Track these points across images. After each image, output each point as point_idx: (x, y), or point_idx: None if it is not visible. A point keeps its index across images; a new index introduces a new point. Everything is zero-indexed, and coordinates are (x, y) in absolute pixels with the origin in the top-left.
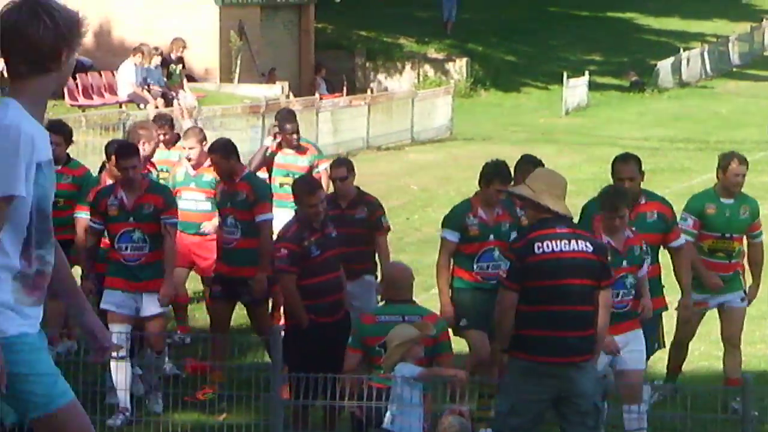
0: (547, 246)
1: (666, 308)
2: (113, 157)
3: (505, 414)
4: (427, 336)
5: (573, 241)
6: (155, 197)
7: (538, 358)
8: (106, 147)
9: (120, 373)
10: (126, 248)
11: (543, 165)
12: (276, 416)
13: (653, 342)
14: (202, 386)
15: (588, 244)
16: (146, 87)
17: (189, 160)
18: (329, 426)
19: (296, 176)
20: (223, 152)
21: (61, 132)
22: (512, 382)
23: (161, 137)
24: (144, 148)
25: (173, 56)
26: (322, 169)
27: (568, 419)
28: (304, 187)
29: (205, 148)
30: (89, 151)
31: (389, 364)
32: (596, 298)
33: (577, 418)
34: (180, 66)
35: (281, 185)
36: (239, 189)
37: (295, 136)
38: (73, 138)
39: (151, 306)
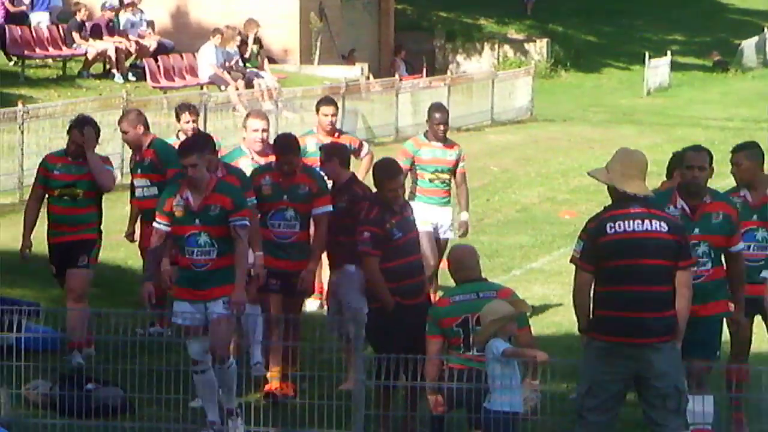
0: (619, 226)
1: (729, 313)
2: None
3: (582, 395)
4: (522, 313)
5: (647, 221)
6: (222, 198)
7: (614, 339)
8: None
9: (206, 386)
10: (193, 252)
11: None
12: (358, 397)
13: (714, 349)
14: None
15: (663, 223)
16: (227, 69)
17: (258, 142)
18: (411, 407)
19: (445, 170)
20: (293, 149)
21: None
22: (589, 363)
23: (190, 125)
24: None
25: (251, 37)
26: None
27: (648, 402)
28: (385, 171)
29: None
30: (171, 132)
31: (481, 339)
32: (674, 279)
33: (657, 401)
34: (257, 47)
35: (431, 181)
36: (299, 182)
37: (442, 127)
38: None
39: (215, 310)
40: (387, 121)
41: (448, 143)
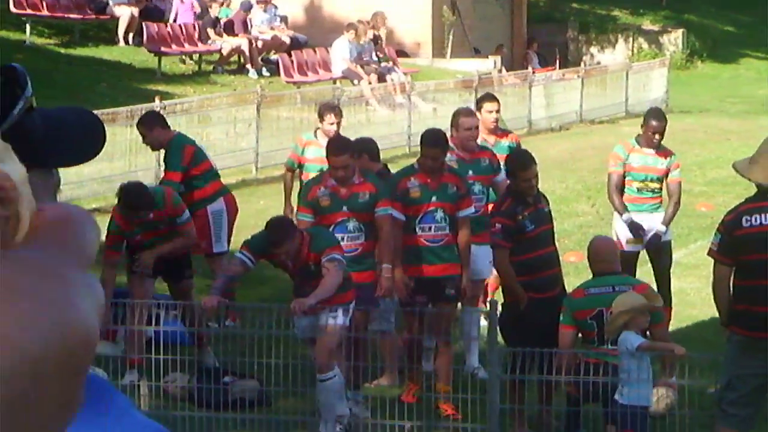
0: (756, 219)
1: None
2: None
3: (723, 388)
4: (654, 307)
5: None
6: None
7: (753, 334)
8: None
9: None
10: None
11: None
12: (493, 390)
13: None
14: (408, 386)
15: None
16: (360, 63)
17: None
18: (545, 401)
19: (653, 179)
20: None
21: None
22: (730, 357)
23: (334, 126)
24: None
25: (381, 32)
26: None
27: None
28: (519, 161)
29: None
30: (304, 126)
31: (612, 330)
32: None
33: None
34: (382, 41)
35: (639, 190)
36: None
37: (657, 136)
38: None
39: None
40: (520, 114)
41: (661, 150)
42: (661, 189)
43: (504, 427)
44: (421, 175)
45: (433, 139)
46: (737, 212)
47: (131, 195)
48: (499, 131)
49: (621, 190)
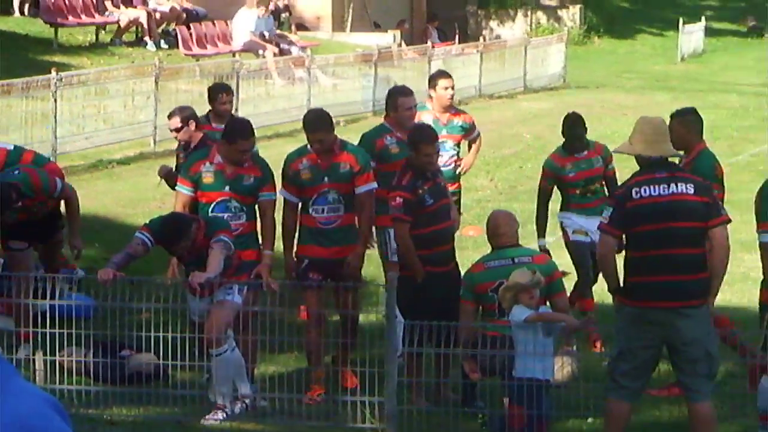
0: (645, 191)
1: None
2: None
3: (615, 359)
4: (535, 285)
5: (672, 185)
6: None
7: (645, 304)
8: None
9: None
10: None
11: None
12: (390, 364)
13: None
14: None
15: (689, 186)
16: (261, 36)
17: None
18: (443, 374)
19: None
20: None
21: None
22: (621, 329)
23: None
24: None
25: (281, 4)
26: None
27: (679, 367)
28: (423, 135)
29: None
30: (203, 100)
31: (505, 306)
32: (704, 240)
33: (687, 366)
34: (287, 14)
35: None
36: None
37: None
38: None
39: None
40: (420, 89)
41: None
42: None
43: (401, 400)
44: (312, 156)
45: (313, 124)
46: (627, 185)
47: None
48: (453, 110)
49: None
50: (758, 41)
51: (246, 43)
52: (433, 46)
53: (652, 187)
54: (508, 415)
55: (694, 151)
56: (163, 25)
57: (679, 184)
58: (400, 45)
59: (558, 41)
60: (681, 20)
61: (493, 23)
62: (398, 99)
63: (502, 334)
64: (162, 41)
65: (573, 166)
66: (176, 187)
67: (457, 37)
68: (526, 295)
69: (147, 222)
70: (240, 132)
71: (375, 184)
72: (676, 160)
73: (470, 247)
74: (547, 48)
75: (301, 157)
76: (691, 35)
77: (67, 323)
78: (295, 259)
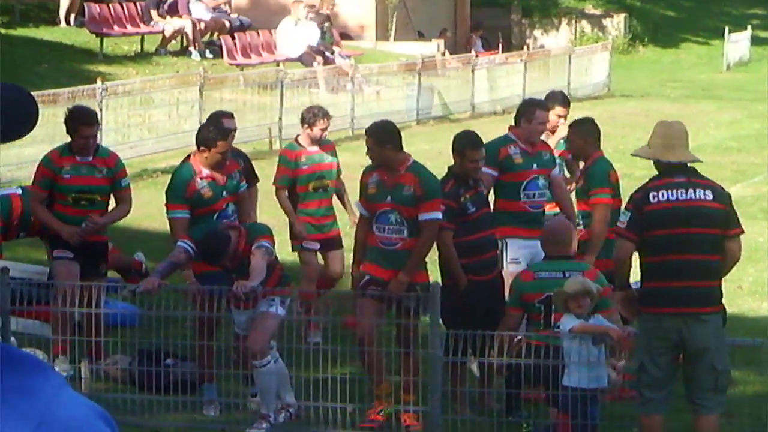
0: (663, 195)
1: None
2: None
3: (637, 371)
4: (586, 294)
5: (690, 190)
6: (414, 179)
7: (661, 310)
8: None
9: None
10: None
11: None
12: (435, 372)
13: None
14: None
15: (708, 192)
16: (311, 47)
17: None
18: (486, 383)
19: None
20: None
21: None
22: (640, 340)
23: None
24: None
25: (323, 13)
26: None
27: (686, 376)
28: (469, 140)
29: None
30: (247, 109)
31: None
32: (722, 248)
33: (693, 377)
34: (329, 24)
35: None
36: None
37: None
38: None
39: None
40: (463, 98)
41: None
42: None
43: (446, 409)
44: (381, 171)
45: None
46: (645, 189)
47: None
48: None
49: None
50: None
51: (303, 54)
52: (476, 55)
53: (670, 192)
54: (553, 424)
55: (591, 158)
56: (208, 35)
57: (697, 190)
58: (443, 54)
59: (602, 50)
60: (726, 29)
61: (537, 32)
62: (536, 111)
63: (546, 343)
64: (207, 51)
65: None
66: (172, 214)
67: (500, 46)
68: (575, 304)
69: (189, 231)
70: (217, 135)
71: (439, 214)
72: (697, 166)
73: None
74: (592, 57)
75: (373, 171)
76: (737, 44)
77: (113, 331)
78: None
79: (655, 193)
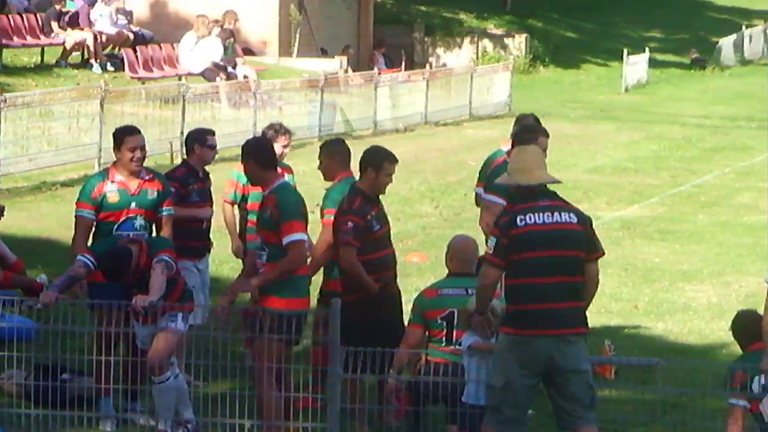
0: (530, 218)
1: None
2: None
3: (498, 389)
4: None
5: (556, 213)
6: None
7: (527, 332)
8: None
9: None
10: None
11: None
12: (333, 389)
13: None
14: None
15: (572, 215)
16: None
17: None
18: (385, 401)
19: None
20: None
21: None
22: (503, 358)
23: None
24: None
25: (227, 29)
26: None
27: (557, 395)
28: (386, 154)
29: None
30: (149, 123)
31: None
32: (584, 270)
33: (566, 395)
34: (232, 39)
35: None
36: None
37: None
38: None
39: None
40: (365, 115)
41: None
42: None
43: (344, 427)
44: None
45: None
46: (510, 213)
47: None
48: None
49: None
50: (700, 73)
51: (205, 70)
52: (379, 73)
53: (536, 215)
54: None
55: (336, 178)
56: (109, 48)
57: (563, 214)
58: (346, 71)
59: (504, 70)
60: (625, 51)
61: (439, 50)
62: (538, 137)
63: (447, 360)
64: (108, 64)
65: None
66: (77, 212)
67: (403, 63)
68: (480, 321)
69: (89, 246)
70: (124, 131)
71: (303, 236)
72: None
73: (414, 274)
74: (493, 76)
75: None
76: (636, 66)
77: (9, 346)
78: None
79: (522, 217)
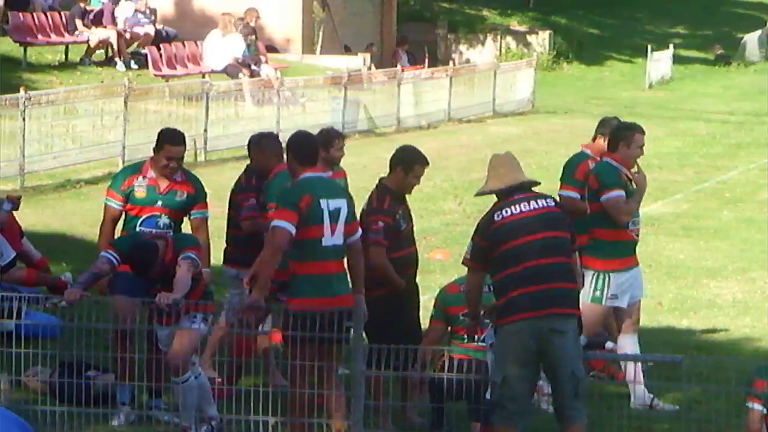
0: (506, 211)
1: None
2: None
3: (499, 384)
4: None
5: (533, 201)
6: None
7: (523, 315)
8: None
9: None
10: None
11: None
12: (357, 385)
13: None
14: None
15: (549, 200)
16: (237, 59)
17: None
18: (409, 397)
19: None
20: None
21: None
22: (500, 354)
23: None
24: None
25: (249, 26)
26: None
27: (550, 386)
28: (418, 155)
29: None
30: (172, 121)
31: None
32: (570, 252)
33: (556, 385)
34: (254, 36)
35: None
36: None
37: None
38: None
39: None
40: (389, 112)
41: None
42: None
43: (368, 424)
44: None
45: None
46: (488, 214)
47: None
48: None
49: None
50: (725, 69)
51: (227, 66)
52: (402, 70)
53: (513, 207)
54: None
55: (272, 172)
56: (133, 46)
57: (539, 200)
58: (369, 68)
59: (527, 66)
60: (649, 47)
61: (462, 47)
62: (635, 134)
63: (469, 357)
64: (132, 61)
65: None
66: (106, 201)
67: (426, 60)
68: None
69: (113, 241)
70: (168, 137)
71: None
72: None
73: (437, 271)
74: (517, 73)
75: None
76: (659, 62)
77: (33, 343)
78: None
79: (499, 212)
